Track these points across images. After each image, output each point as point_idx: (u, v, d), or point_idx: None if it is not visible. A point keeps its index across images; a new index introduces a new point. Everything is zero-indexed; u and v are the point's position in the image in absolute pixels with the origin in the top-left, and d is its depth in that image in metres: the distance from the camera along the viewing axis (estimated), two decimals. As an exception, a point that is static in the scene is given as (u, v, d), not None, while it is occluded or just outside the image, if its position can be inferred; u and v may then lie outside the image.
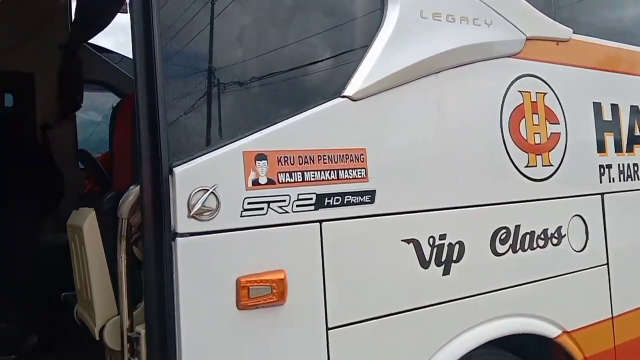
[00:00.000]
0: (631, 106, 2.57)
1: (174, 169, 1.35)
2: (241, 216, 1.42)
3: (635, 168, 2.56)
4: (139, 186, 1.40)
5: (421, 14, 1.85)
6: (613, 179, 2.44)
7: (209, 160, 1.39)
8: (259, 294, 1.42)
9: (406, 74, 1.79)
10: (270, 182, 1.48)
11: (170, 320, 1.32)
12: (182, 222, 1.34)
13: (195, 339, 1.35)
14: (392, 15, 1.78)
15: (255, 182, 1.45)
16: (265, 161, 1.47)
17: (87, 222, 1.77)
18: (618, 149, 2.49)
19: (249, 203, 1.43)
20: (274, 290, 1.44)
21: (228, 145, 1.42)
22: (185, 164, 1.36)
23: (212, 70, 1.49)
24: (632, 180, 2.53)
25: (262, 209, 1.46)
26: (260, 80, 1.60)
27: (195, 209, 1.35)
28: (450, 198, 1.88)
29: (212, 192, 1.37)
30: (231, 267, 1.41)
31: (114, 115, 2.76)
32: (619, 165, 2.48)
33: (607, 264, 2.37)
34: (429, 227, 1.82)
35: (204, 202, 1.36)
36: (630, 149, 2.55)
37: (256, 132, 1.47)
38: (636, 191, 2.54)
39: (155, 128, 1.34)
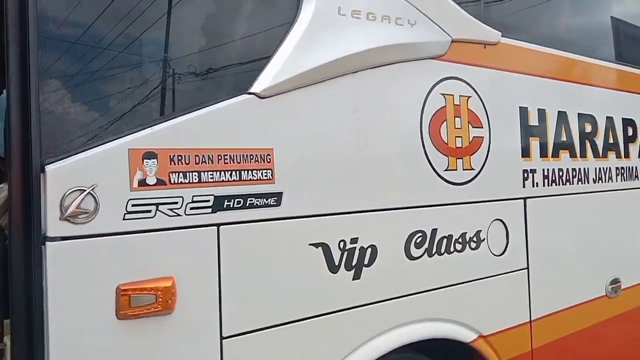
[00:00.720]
0: (559, 111, 2.58)
1: (46, 166, 1.24)
2: (124, 219, 1.33)
3: (561, 173, 2.58)
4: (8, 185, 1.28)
5: (339, 11, 1.78)
6: (537, 183, 2.45)
7: (87, 158, 1.28)
8: (142, 303, 1.33)
9: (320, 72, 1.72)
10: (160, 182, 1.38)
11: (38, 332, 1.22)
12: (53, 224, 1.23)
13: (67, 353, 1.24)
14: (307, 10, 1.71)
15: (142, 183, 1.36)
16: (155, 160, 1.38)
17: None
18: (543, 154, 2.49)
19: (133, 205, 1.34)
20: (159, 299, 1.35)
21: (111, 142, 1.32)
22: (60, 162, 1.25)
23: (97, 58, 1.37)
24: (556, 185, 2.55)
25: (149, 211, 1.36)
26: (155, 71, 1.49)
27: (69, 211, 1.24)
28: (363, 201, 1.83)
29: (89, 192, 1.27)
30: (111, 274, 1.31)
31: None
32: (543, 170, 2.49)
33: (527, 268, 2.38)
34: (340, 230, 1.76)
35: (79, 203, 1.25)
36: (556, 154, 2.56)
37: (146, 128, 1.37)
38: (559, 196, 2.56)
39: (26, 121, 1.22)
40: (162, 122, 1.41)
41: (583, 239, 2.71)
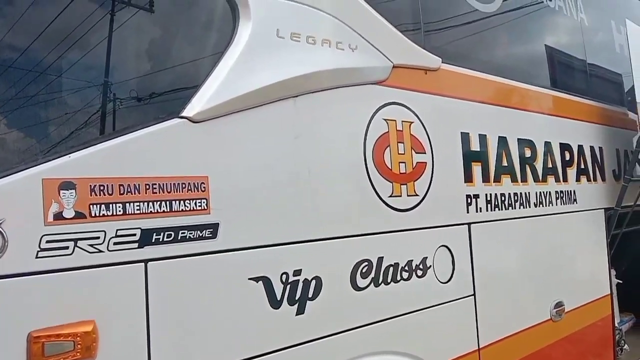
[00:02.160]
0: (499, 137, 2.62)
1: (-57, 200, 1.09)
2: (37, 257, 1.19)
3: (503, 198, 2.60)
4: None
5: (277, 33, 1.73)
6: (480, 208, 2.45)
7: (-8, 191, 1.14)
8: (58, 351, 1.18)
9: (258, 96, 1.64)
10: (78, 215, 1.25)
11: None
12: (-48, 265, 1.08)
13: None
14: (243, 32, 1.64)
15: (58, 216, 1.22)
16: (73, 191, 1.25)
17: None
18: (485, 179, 2.51)
19: (48, 241, 1.20)
20: (78, 346, 1.21)
21: (22, 172, 1.18)
22: (-42, 195, 1.11)
23: (7, 78, 1.24)
24: (499, 210, 2.57)
25: (67, 247, 1.23)
26: (76, 93, 1.37)
27: (-29, 249, 1.09)
28: (306, 230, 1.75)
29: (-5, 228, 1.13)
30: (21, 319, 1.16)
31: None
32: (486, 195, 2.50)
33: (474, 294, 2.36)
34: (282, 262, 1.67)
35: (-18, 241, 1.10)
36: (497, 179, 2.58)
37: (62, 156, 1.24)
38: (503, 221, 2.58)
39: None
40: (82, 149, 1.28)
41: (527, 263, 2.74)
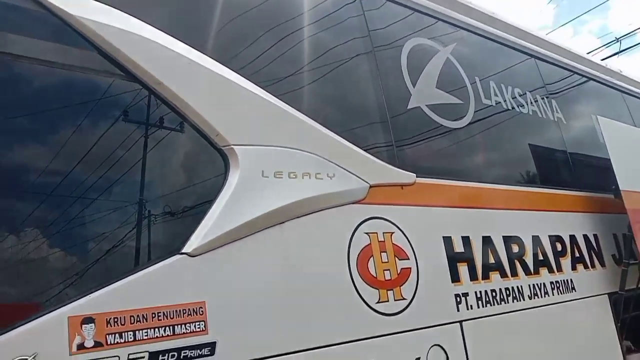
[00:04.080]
0: (483, 237, 2.85)
1: (-10, 341, 1.40)
2: (63, 382, 1.46)
3: (494, 294, 2.77)
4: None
5: (262, 174, 2.08)
6: (471, 306, 2.63)
7: (27, 330, 1.45)
8: None
9: (247, 228, 1.96)
10: (97, 344, 1.54)
11: None
12: (-4, 394, 1.36)
13: None
14: (233, 178, 2.00)
15: (81, 346, 1.51)
16: (92, 324, 1.54)
17: None
18: (473, 277, 2.70)
19: (72, 369, 1.48)
20: None
21: (50, 313, 1.49)
22: (3, 336, 1.41)
23: (36, 235, 1.60)
24: (491, 305, 2.73)
25: (88, 373, 1.50)
26: (92, 242, 1.71)
27: (11, 380, 1.38)
28: (297, 341, 1.97)
29: (30, 361, 1.41)
30: None
31: None
32: (475, 292, 2.68)
33: (473, 390, 2.46)
34: (275, 373, 1.88)
35: (20, 373, 1.39)
36: (486, 277, 2.77)
37: (83, 296, 1.56)
38: (497, 316, 2.72)
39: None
40: (99, 289, 1.60)
41: (529, 355, 2.82)
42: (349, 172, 2.37)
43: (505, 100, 3.53)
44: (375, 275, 2.29)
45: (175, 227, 1.90)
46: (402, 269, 2.40)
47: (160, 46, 1.95)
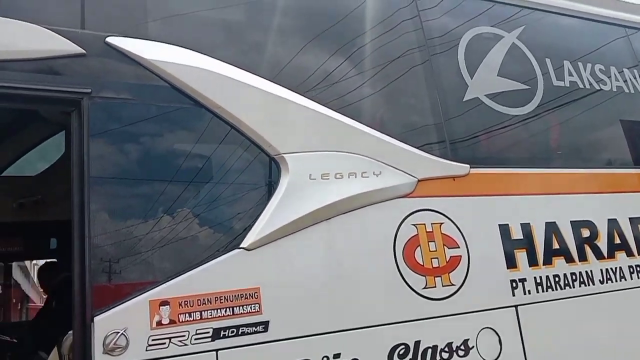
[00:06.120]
0: (546, 222, 2.88)
1: (94, 317, 1.89)
2: (146, 350, 1.91)
3: (557, 279, 2.80)
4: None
5: (310, 177, 2.39)
6: (529, 291, 2.70)
7: (120, 310, 1.92)
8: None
9: (295, 225, 2.29)
10: (172, 322, 1.98)
11: None
12: (99, 357, 1.85)
13: None
14: (283, 182, 2.33)
15: (159, 323, 1.96)
16: (168, 306, 1.99)
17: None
18: (532, 263, 2.76)
19: (153, 340, 1.93)
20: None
21: (136, 297, 1.96)
22: (103, 314, 1.90)
23: (127, 235, 2.07)
24: (553, 290, 2.77)
25: (164, 343, 1.95)
26: (168, 240, 2.14)
27: (109, 347, 1.86)
28: (342, 322, 2.26)
29: (122, 333, 1.89)
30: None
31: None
32: (535, 278, 2.74)
33: (526, 370, 2.56)
34: (323, 348, 2.20)
35: (115, 341, 1.87)
36: (548, 262, 2.81)
37: (161, 284, 2.01)
38: (559, 300, 2.76)
39: (82, 290, 1.92)
40: (173, 278, 2.04)
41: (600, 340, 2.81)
42: (396, 168, 2.58)
43: (582, 80, 3.42)
44: (422, 264, 2.49)
45: (236, 226, 2.28)
46: (451, 256, 2.57)
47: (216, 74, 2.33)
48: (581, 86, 3.41)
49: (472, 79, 3.03)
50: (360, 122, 2.59)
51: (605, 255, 2.99)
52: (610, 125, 3.52)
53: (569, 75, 3.38)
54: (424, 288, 2.47)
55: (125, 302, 1.95)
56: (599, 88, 3.47)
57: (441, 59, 3.00)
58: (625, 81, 3.62)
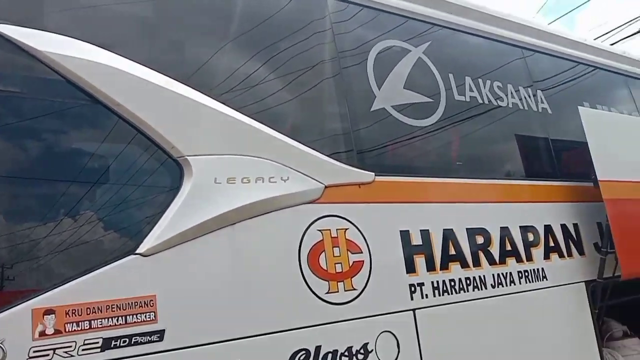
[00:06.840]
0: (444, 229, 3.02)
1: (-37, 329, 1.73)
2: (26, 364, 1.78)
3: (452, 283, 2.95)
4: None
5: (215, 180, 2.34)
6: (426, 295, 2.82)
7: (-2, 320, 1.78)
8: None
9: (198, 229, 2.23)
10: (57, 332, 1.86)
11: None
12: (-29, 371, 1.70)
13: None
14: (186, 186, 2.27)
15: (42, 333, 1.83)
16: (53, 315, 1.86)
17: None
18: (430, 268, 2.89)
19: (34, 351, 1.80)
20: None
21: (18, 306, 1.82)
22: (-24, 325, 1.75)
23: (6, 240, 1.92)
24: (449, 294, 2.91)
25: (48, 355, 1.82)
26: (55, 243, 2.01)
27: (-19, 361, 1.71)
28: (243, 329, 2.23)
29: (-2, 345, 1.75)
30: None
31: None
32: (432, 282, 2.86)
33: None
34: (223, 355, 2.16)
35: (-11, 354, 1.72)
36: (445, 267, 2.95)
37: (47, 291, 1.88)
38: (455, 304, 2.90)
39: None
40: (60, 285, 1.91)
41: (494, 342, 2.99)
42: (303, 174, 2.59)
43: (481, 95, 3.63)
44: (326, 269, 2.52)
45: (133, 231, 2.19)
46: (354, 262, 2.62)
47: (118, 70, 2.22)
48: (480, 102, 3.61)
49: (379, 90, 3.12)
50: (271, 128, 2.58)
51: (497, 261, 3.19)
52: (506, 139, 3.76)
53: (469, 91, 3.58)
54: (327, 293, 2.50)
55: (3, 311, 1.81)
56: (496, 104, 3.71)
57: (351, 70, 3.07)
58: (520, 99, 3.89)
